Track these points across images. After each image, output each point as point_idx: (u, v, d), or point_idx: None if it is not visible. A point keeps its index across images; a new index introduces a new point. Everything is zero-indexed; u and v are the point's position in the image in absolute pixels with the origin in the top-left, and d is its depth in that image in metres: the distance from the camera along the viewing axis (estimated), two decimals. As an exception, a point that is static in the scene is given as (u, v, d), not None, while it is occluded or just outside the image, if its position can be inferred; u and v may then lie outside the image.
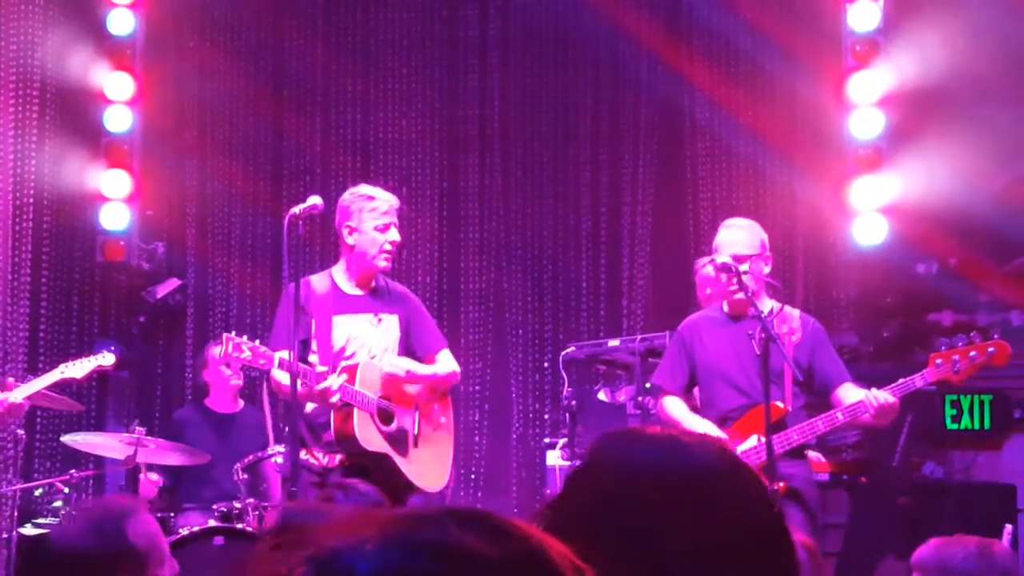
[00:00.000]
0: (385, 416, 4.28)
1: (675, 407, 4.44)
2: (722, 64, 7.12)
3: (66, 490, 5.49)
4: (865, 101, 6.49)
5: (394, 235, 4.34)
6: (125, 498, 4.91)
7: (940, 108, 6.26)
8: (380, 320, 4.36)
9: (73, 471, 5.45)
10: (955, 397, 6.03)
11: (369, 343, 4.32)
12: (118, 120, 7.00)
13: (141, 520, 2.49)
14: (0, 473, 6.25)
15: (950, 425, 6.06)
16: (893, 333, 6.65)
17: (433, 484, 4.38)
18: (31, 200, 6.66)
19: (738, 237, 4.37)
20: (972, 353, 4.16)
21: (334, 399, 4.06)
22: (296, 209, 4.11)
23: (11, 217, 6.55)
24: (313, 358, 4.16)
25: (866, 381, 5.33)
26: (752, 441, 4.21)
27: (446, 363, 4.49)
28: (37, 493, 5.66)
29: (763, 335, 4.11)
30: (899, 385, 4.16)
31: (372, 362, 4.29)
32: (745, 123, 6.99)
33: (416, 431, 4.38)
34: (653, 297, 7.16)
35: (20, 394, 4.64)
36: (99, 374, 7.05)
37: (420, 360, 4.44)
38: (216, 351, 5.81)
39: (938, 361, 4.18)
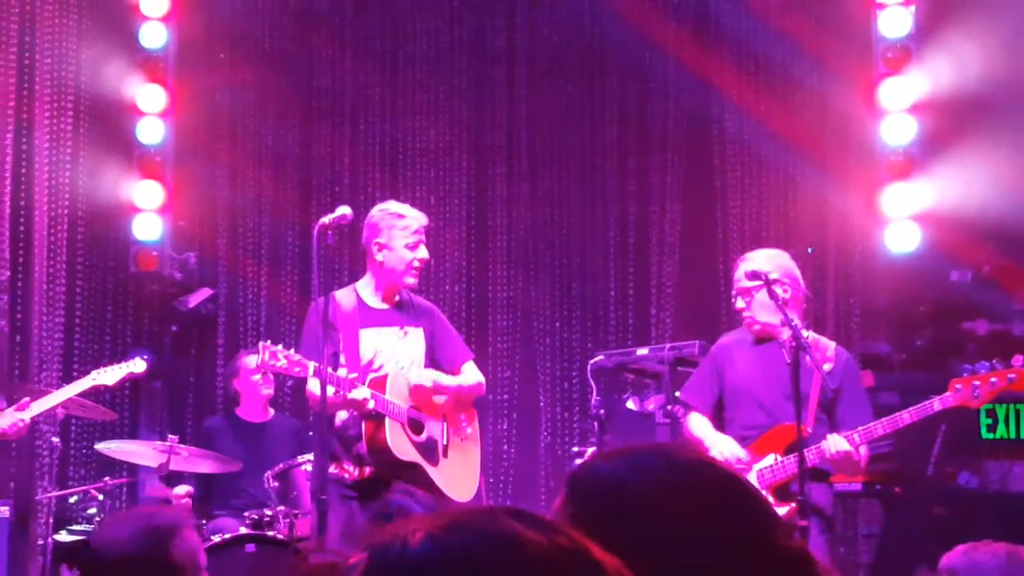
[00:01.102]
0: (415, 426, 4.31)
1: (699, 424, 4.43)
2: (751, 72, 7.09)
3: (100, 497, 5.55)
4: (897, 107, 6.44)
5: (423, 253, 4.40)
6: (174, 511, 4.95)
7: (974, 114, 6.20)
8: (406, 333, 4.41)
9: (107, 478, 5.51)
10: (991, 406, 5.95)
11: (396, 355, 4.36)
12: (151, 132, 7.08)
13: (186, 537, 2.53)
14: (36, 480, 6.32)
15: (985, 434, 5.97)
16: (926, 342, 6.58)
17: (463, 494, 4.40)
18: (65, 211, 6.76)
19: (756, 256, 4.36)
20: (993, 379, 4.13)
21: (370, 406, 4.10)
22: (325, 219, 4.13)
23: (46, 228, 6.65)
24: (342, 371, 4.18)
25: (899, 390, 5.28)
26: (769, 459, 4.19)
27: (471, 374, 4.52)
28: (72, 500, 5.71)
29: (793, 343, 4.06)
30: (916, 409, 4.13)
31: (401, 372, 4.33)
32: (775, 131, 6.95)
33: (445, 441, 4.42)
34: (682, 306, 7.13)
35: (29, 414, 4.69)
36: (131, 383, 7.15)
37: (446, 372, 4.46)
38: (249, 360, 5.87)
39: (958, 386, 4.14)
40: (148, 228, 7.01)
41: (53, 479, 6.34)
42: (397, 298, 4.44)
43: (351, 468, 4.26)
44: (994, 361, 4.24)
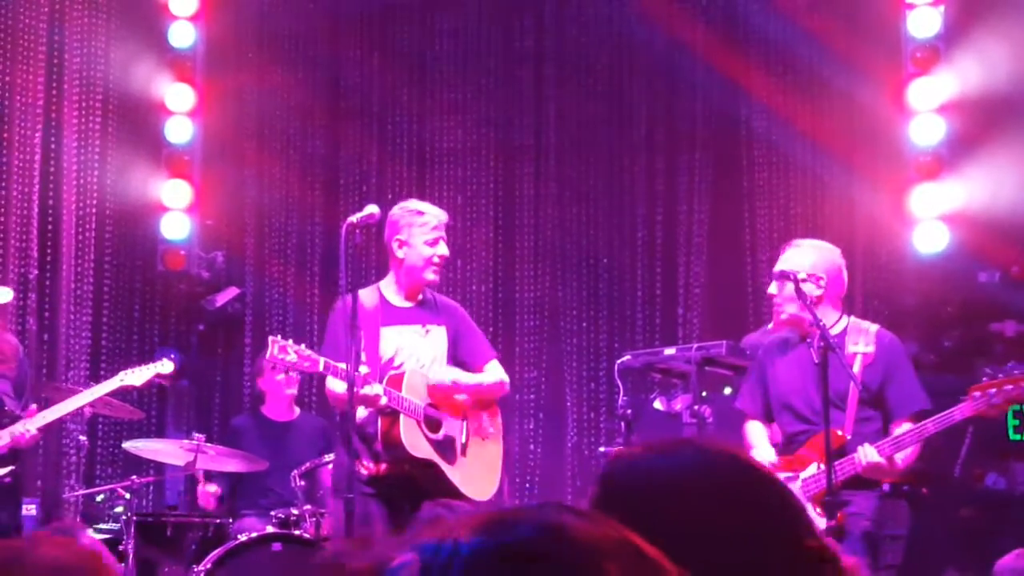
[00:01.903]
0: (432, 423, 4.28)
1: (752, 433, 4.40)
2: (779, 72, 7.07)
3: (127, 496, 5.57)
4: (926, 108, 6.41)
5: (443, 249, 4.38)
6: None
7: (1003, 115, 6.16)
8: (428, 331, 4.39)
9: (134, 477, 5.54)
10: (1019, 407, 5.90)
11: (417, 353, 4.35)
12: (179, 131, 7.12)
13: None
14: (63, 479, 6.37)
15: (1013, 436, 5.92)
16: (954, 343, 6.54)
17: (482, 493, 4.36)
18: (94, 210, 6.80)
19: (789, 255, 4.31)
20: (1008, 387, 4.07)
21: (382, 402, 4.09)
22: (353, 218, 4.14)
23: (75, 227, 6.69)
24: (363, 369, 4.14)
25: (927, 391, 5.24)
26: (811, 469, 4.15)
27: (493, 373, 4.48)
28: (99, 499, 5.75)
29: (822, 343, 4.02)
30: (938, 419, 4.09)
31: (419, 370, 4.31)
32: (803, 131, 6.93)
33: (464, 440, 4.38)
34: (709, 306, 7.11)
35: (35, 424, 4.70)
36: (158, 383, 7.19)
37: (469, 371, 4.44)
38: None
39: (976, 394, 4.08)
40: (176, 227, 7.04)
41: (80, 477, 6.37)
42: (420, 296, 4.42)
43: (369, 464, 4.23)
44: (1010, 364, 4.19)
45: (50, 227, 6.57)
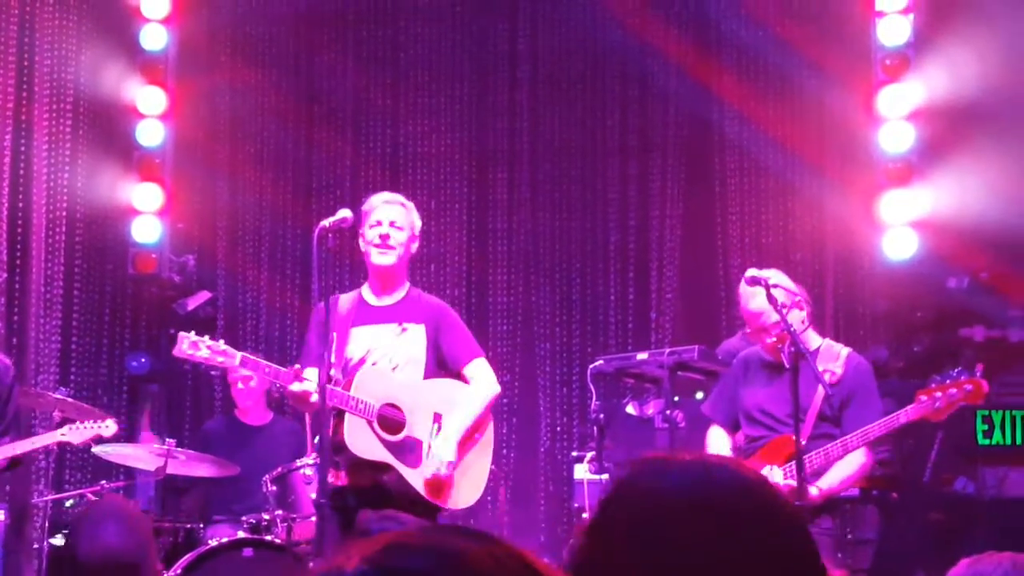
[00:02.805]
0: (390, 424, 4.06)
1: (714, 441, 4.45)
2: (751, 78, 7.12)
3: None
4: (895, 115, 6.47)
5: (384, 229, 4.18)
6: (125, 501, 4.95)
7: (972, 123, 6.23)
8: (404, 330, 4.21)
9: (104, 482, 5.49)
10: (987, 412, 5.96)
11: (391, 353, 4.17)
12: (150, 134, 7.08)
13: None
14: (32, 484, 6.30)
15: (982, 440, 5.98)
16: (924, 348, 6.60)
17: (455, 501, 4.13)
18: (64, 213, 6.74)
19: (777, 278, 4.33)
20: (952, 391, 4.12)
21: (312, 399, 3.88)
22: (326, 222, 4.02)
23: (44, 230, 6.63)
24: (333, 372, 3.99)
25: (896, 397, 5.28)
26: (776, 475, 4.19)
27: (477, 387, 4.23)
28: (68, 504, 5.69)
29: (792, 349, 4.06)
30: (884, 422, 4.14)
31: (378, 369, 4.12)
32: (774, 137, 6.98)
33: (431, 440, 4.12)
34: (682, 311, 7.15)
35: (52, 438, 4.57)
36: (130, 386, 7.14)
37: (451, 372, 4.29)
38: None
39: (922, 398, 4.14)
40: (147, 231, 7.00)
41: (49, 483, 6.32)
42: (401, 294, 4.27)
43: (333, 474, 4.05)
44: (957, 371, 4.24)
45: (20, 230, 6.51)
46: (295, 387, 3.89)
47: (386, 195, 4.32)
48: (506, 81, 7.51)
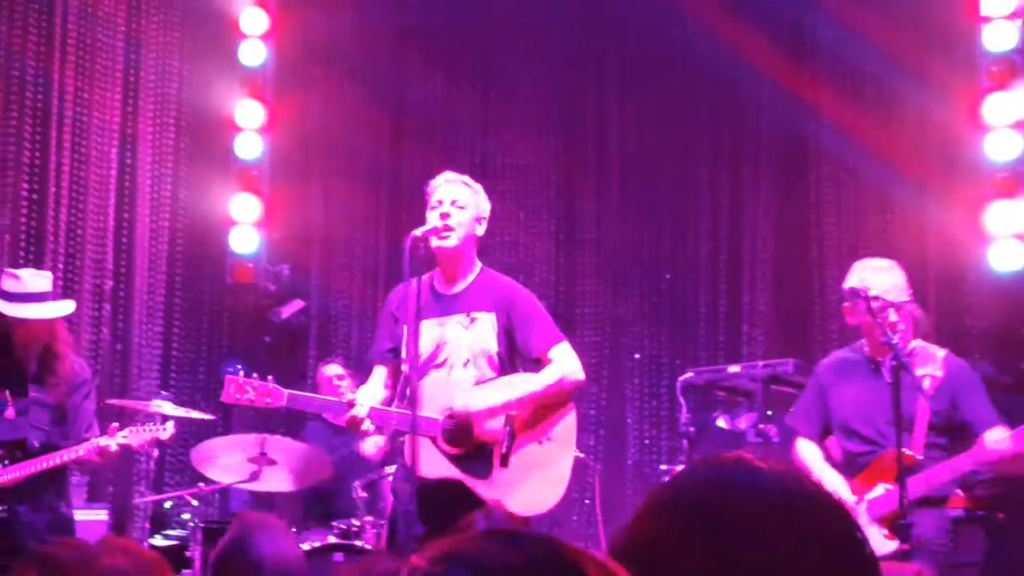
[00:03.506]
0: (455, 437, 3.79)
1: (807, 453, 4.30)
2: (847, 86, 6.97)
3: (195, 503, 5.67)
4: (1001, 123, 6.26)
5: (444, 208, 3.86)
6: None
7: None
8: (472, 320, 3.86)
9: (201, 484, 5.61)
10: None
11: (460, 347, 3.84)
12: (249, 147, 7.25)
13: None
14: (133, 486, 6.49)
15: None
16: (1032, 364, 6.35)
17: (530, 506, 3.77)
18: (166, 223, 6.96)
19: (862, 275, 4.22)
20: None
21: (365, 426, 3.70)
22: (417, 231, 3.85)
23: (148, 239, 6.85)
24: (404, 367, 3.79)
25: (1002, 414, 5.10)
26: (878, 490, 4.06)
27: (552, 369, 3.84)
28: (167, 505, 5.85)
29: (894, 363, 3.94)
30: (969, 454, 3.99)
31: (438, 375, 3.82)
32: (872, 147, 6.80)
33: (506, 448, 3.79)
34: (775, 323, 7.02)
35: (115, 441, 4.64)
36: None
37: (525, 360, 3.93)
38: (327, 369, 6.01)
39: (1014, 434, 3.97)
40: (245, 241, 7.17)
41: (150, 484, 6.48)
42: (471, 279, 3.93)
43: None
44: None
45: (124, 240, 6.73)
46: (346, 417, 3.69)
47: (448, 174, 4.00)
48: (595, 91, 7.50)
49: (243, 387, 3.80)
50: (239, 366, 7.26)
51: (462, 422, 3.79)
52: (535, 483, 3.80)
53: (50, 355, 4.51)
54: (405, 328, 3.81)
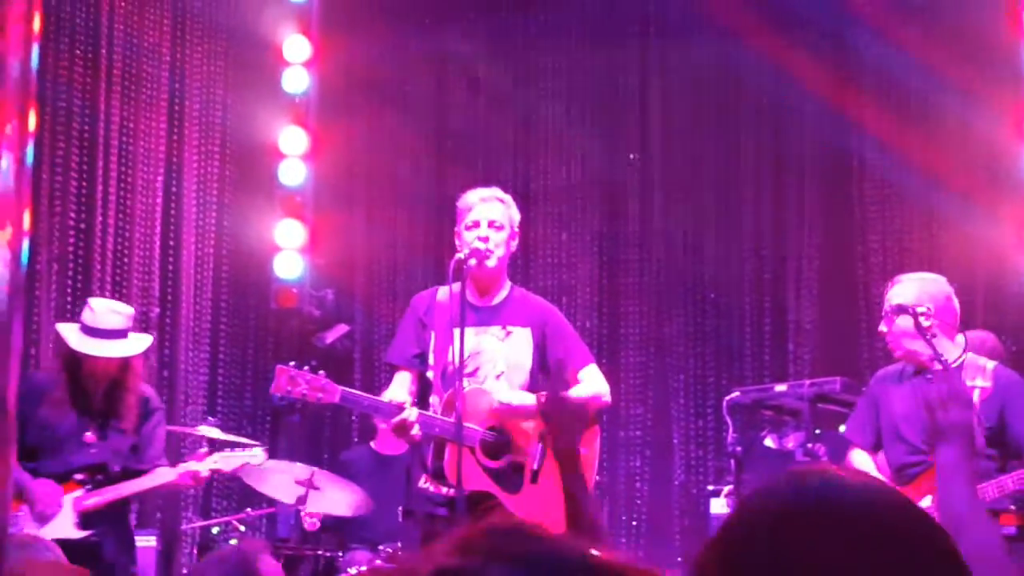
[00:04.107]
0: (492, 449, 3.81)
1: (860, 464, 4.28)
2: (891, 102, 6.92)
3: (242, 528, 5.70)
4: (1048, 136, 6.17)
5: (482, 231, 3.88)
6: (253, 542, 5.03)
7: None
8: (509, 333, 3.91)
9: (248, 509, 5.65)
10: None
11: (495, 359, 3.88)
12: (292, 173, 7.32)
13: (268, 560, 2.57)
14: (181, 511, 6.53)
15: None
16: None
17: (555, 525, 3.85)
18: (211, 250, 7.03)
19: (894, 292, 4.20)
20: None
21: (414, 431, 3.66)
22: (460, 254, 3.90)
23: (193, 266, 6.93)
24: (429, 374, 3.82)
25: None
26: (926, 501, 4.01)
27: (586, 385, 3.91)
28: (215, 531, 5.88)
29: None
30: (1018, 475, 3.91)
31: (480, 388, 3.83)
32: (917, 162, 6.74)
33: (537, 465, 3.82)
34: (821, 341, 6.95)
35: (205, 466, 4.66)
36: (273, 417, 7.34)
37: (558, 379, 3.91)
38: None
39: None
40: (289, 266, 7.22)
41: (197, 509, 6.54)
42: (504, 293, 3.98)
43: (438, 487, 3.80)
44: None
45: (170, 267, 6.81)
46: (397, 419, 3.65)
47: (482, 191, 4.03)
48: (637, 111, 7.50)
49: (295, 379, 3.69)
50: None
51: (501, 435, 3.82)
52: (559, 503, 3.82)
53: (119, 388, 4.54)
54: (433, 335, 3.86)
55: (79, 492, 4.46)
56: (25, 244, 1.14)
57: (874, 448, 4.31)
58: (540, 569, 0.80)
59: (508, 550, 0.81)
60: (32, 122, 1.16)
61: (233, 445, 4.95)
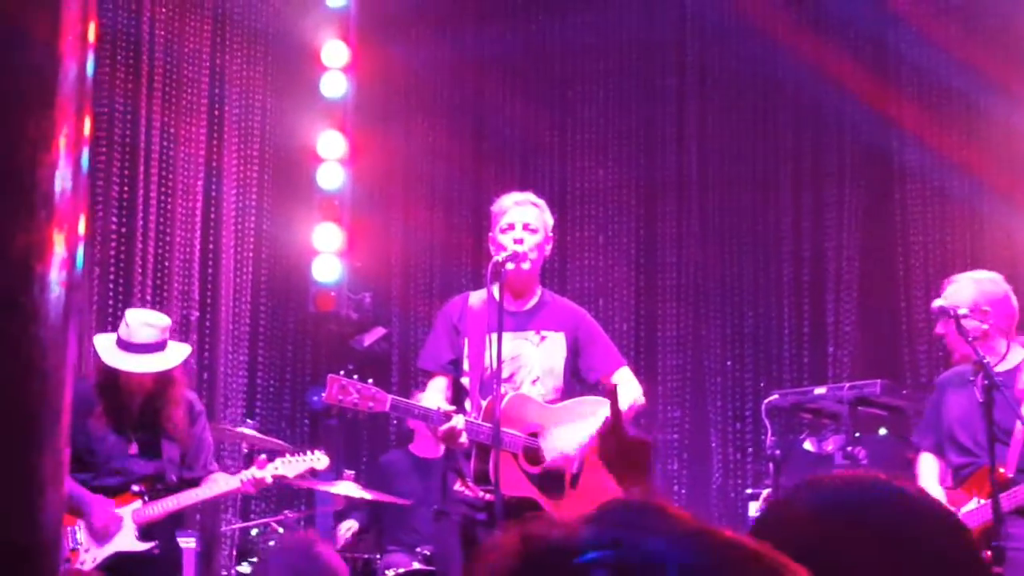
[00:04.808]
0: (533, 454, 3.81)
1: (924, 467, 4.28)
2: (932, 102, 6.84)
3: (280, 530, 5.73)
4: (1093, 135, 6.08)
5: (517, 233, 3.89)
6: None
7: None
8: (543, 338, 3.94)
9: (287, 512, 5.68)
10: None
11: (531, 364, 3.90)
12: (331, 177, 7.37)
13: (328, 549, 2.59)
14: (220, 513, 6.59)
15: None
16: None
17: None
18: (250, 254, 7.09)
19: (948, 292, 4.17)
20: None
21: (462, 439, 3.68)
22: (498, 257, 3.90)
23: (233, 270, 6.99)
24: (464, 380, 3.84)
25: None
26: (972, 504, 3.98)
27: (625, 392, 3.90)
28: (253, 533, 5.92)
29: (985, 382, 3.87)
30: None
31: (520, 394, 3.84)
32: (957, 162, 6.67)
33: (577, 469, 3.83)
34: (861, 344, 6.89)
35: (268, 473, 4.62)
36: (311, 419, 7.38)
37: (587, 382, 4.01)
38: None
39: None
40: (327, 270, 7.27)
41: (237, 512, 6.59)
42: (536, 299, 4.01)
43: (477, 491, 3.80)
44: None
45: (210, 271, 6.87)
46: (445, 426, 3.66)
47: (517, 195, 4.06)
48: (674, 113, 7.47)
49: (347, 388, 3.75)
50: (323, 394, 7.39)
51: (535, 444, 3.81)
52: (589, 502, 3.82)
53: (160, 398, 4.49)
54: (467, 341, 3.87)
55: (137, 504, 4.42)
56: (80, 248, 1.15)
57: (938, 451, 4.29)
58: (697, 543, 0.79)
59: (658, 527, 0.81)
60: (87, 127, 1.18)
61: (289, 451, 4.93)
